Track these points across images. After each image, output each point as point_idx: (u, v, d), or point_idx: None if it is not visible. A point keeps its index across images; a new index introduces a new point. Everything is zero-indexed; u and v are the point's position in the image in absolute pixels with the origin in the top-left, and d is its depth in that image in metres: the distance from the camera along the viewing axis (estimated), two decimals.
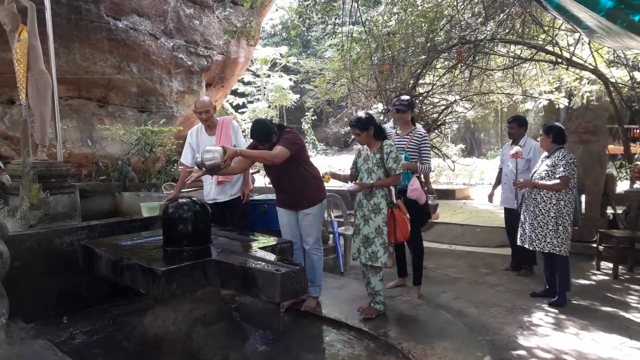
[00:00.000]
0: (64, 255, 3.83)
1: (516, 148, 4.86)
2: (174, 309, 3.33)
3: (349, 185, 3.87)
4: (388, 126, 5.50)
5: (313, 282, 3.93)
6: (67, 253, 3.84)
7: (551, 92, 11.42)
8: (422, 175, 4.79)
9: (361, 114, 3.85)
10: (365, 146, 3.89)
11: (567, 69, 8.87)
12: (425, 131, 4.58)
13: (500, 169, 5.77)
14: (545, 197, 4.32)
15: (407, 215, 3.78)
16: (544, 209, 4.31)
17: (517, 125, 5.47)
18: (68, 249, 3.85)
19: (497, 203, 5.93)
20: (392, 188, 3.79)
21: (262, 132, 3.73)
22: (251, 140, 3.94)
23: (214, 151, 3.43)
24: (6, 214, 4.06)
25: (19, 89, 4.34)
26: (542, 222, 4.32)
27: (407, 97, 4.85)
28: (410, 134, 4.57)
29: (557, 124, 4.70)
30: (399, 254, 4.85)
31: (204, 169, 3.49)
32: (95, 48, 7.67)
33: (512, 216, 5.41)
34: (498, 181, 5.87)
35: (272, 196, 5.09)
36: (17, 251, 3.36)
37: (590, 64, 8.05)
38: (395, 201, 3.76)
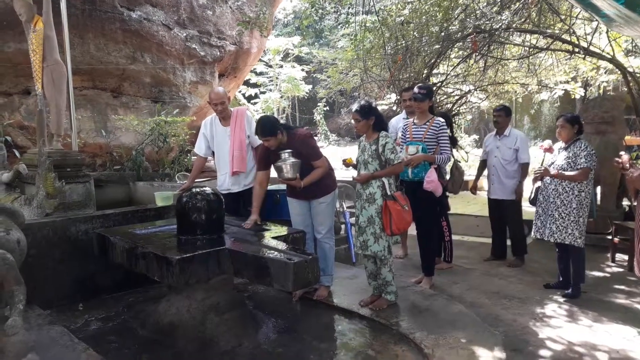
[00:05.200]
0: (79, 244, 3.88)
1: (547, 142, 4.81)
2: (188, 297, 3.37)
3: (354, 175, 3.90)
4: (401, 117, 5.48)
5: (325, 272, 3.95)
6: (82, 241, 3.89)
7: (567, 82, 11.24)
8: (449, 165, 4.72)
9: (364, 101, 3.84)
10: (363, 136, 3.89)
11: (584, 59, 8.70)
12: (443, 120, 4.47)
13: (484, 160, 5.73)
14: (568, 188, 4.27)
15: (406, 207, 3.73)
16: (567, 200, 4.26)
17: (504, 114, 5.47)
18: (83, 237, 3.90)
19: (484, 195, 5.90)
20: (387, 179, 3.73)
21: (266, 126, 3.79)
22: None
23: (291, 171, 3.75)
24: (23, 203, 4.13)
25: (35, 79, 4.38)
26: (564, 214, 4.27)
27: (426, 86, 4.80)
28: (428, 123, 4.45)
29: (575, 114, 4.64)
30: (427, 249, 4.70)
31: (283, 172, 3.76)
32: (109, 38, 7.71)
33: (499, 207, 5.46)
34: (480, 173, 5.85)
35: (284, 186, 5.11)
36: (33, 239, 3.42)
37: (607, 53, 7.90)
38: (390, 193, 3.72)
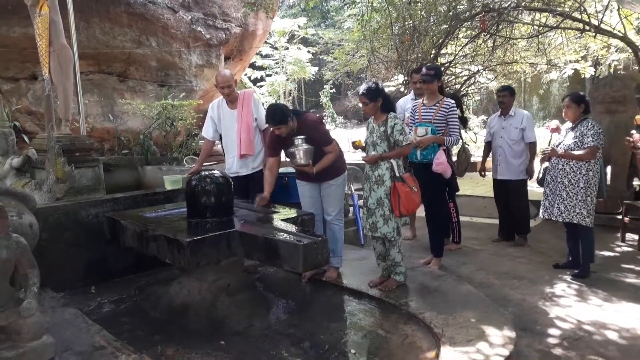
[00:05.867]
0: (90, 227, 3.92)
1: (555, 122, 4.77)
2: (199, 279, 3.40)
3: (363, 155, 3.89)
4: (409, 98, 5.43)
5: (334, 253, 3.96)
6: (93, 225, 3.93)
7: (577, 61, 11.07)
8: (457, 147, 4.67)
9: (371, 83, 3.81)
10: (371, 118, 3.86)
11: (594, 37, 8.56)
12: (453, 101, 4.42)
13: (488, 142, 5.69)
14: (575, 167, 4.24)
15: (415, 188, 3.72)
16: (574, 179, 4.24)
17: (509, 94, 5.45)
18: (94, 221, 3.94)
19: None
20: (395, 161, 3.72)
21: (277, 114, 3.77)
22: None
23: (304, 157, 3.73)
24: (33, 187, 4.16)
25: (42, 64, 4.37)
26: (572, 193, 4.25)
27: (434, 66, 4.74)
28: (438, 104, 4.39)
29: (581, 93, 4.59)
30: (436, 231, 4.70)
31: (296, 158, 3.75)
32: (115, 22, 7.67)
33: (504, 187, 5.45)
34: (487, 154, 5.82)
35: (293, 169, 5.11)
36: (45, 223, 3.45)
37: (619, 31, 7.77)
38: (399, 174, 3.70)
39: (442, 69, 8.24)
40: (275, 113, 3.78)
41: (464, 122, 5.10)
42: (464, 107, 7.95)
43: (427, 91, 4.50)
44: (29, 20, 4.48)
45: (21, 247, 2.53)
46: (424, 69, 4.52)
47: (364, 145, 3.98)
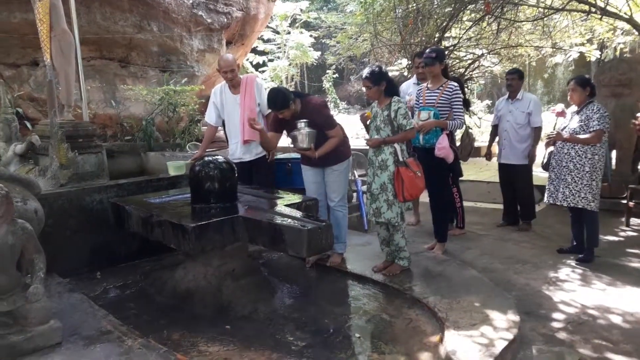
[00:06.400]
0: (94, 213, 3.93)
1: (560, 106, 4.73)
2: (204, 264, 3.42)
3: (366, 139, 3.87)
4: (411, 82, 5.39)
5: (338, 239, 3.97)
6: (97, 211, 3.94)
7: (582, 44, 10.97)
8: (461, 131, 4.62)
9: (374, 67, 3.77)
10: (375, 102, 3.83)
11: (600, 19, 8.45)
12: (456, 84, 4.38)
13: (495, 126, 5.65)
14: (580, 151, 4.21)
15: (419, 173, 3.71)
16: (579, 164, 4.21)
17: (517, 78, 5.41)
18: (98, 207, 3.95)
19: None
20: (399, 146, 3.70)
21: (278, 99, 3.73)
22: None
23: (306, 141, 3.68)
24: (37, 174, 4.16)
25: (43, 49, 4.34)
26: (577, 177, 4.23)
27: (436, 48, 4.69)
28: (441, 87, 4.36)
29: (586, 76, 4.55)
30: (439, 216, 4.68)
31: (298, 142, 3.70)
32: (115, 7, 7.60)
33: (510, 172, 5.43)
34: (493, 138, 5.78)
35: (296, 155, 5.09)
36: (50, 209, 3.46)
37: (625, 13, 7.66)
38: (402, 159, 3.69)
39: (446, 52, 8.17)
40: (277, 98, 3.73)
41: (466, 104, 5.05)
42: (468, 90, 7.89)
43: (430, 74, 4.46)
44: (30, 5, 4.44)
45: (27, 233, 2.54)
46: (426, 52, 4.48)
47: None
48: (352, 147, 4.27)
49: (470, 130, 5.38)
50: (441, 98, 4.31)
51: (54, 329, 2.52)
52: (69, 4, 4.81)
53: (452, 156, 4.33)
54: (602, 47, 11.82)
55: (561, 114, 4.65)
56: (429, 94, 4.40)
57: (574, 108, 4.41)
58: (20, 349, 2.40)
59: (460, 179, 5.36)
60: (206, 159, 3.58)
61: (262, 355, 2.71)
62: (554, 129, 4.55)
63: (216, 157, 3.62)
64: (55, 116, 4.16)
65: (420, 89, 4.56)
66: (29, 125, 5.91)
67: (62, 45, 4.41)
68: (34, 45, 6.03)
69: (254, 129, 3.85)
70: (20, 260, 2.56)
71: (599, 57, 12.04)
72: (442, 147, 4.21)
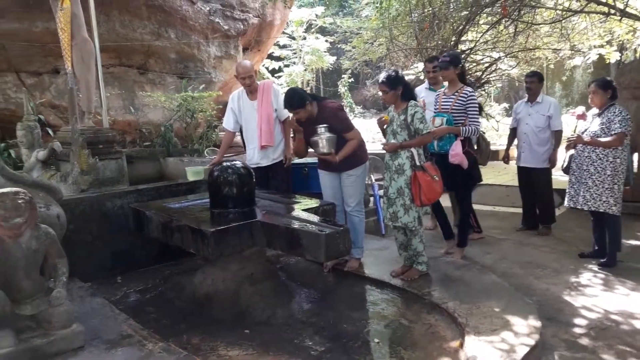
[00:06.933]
0: (115, 218, 3.98)
1: (580, 108, 4.66)
2: (222, 268, 3.43)
3: (383, 144, 3.86)
4: (423, 87, 5.36)
5: (355, 244, 3.96)
6: (117, 216, 3.99)
7: (601, 46, 10.81)
8: (475, 137, 4.57)
9: (391, 71, 3.77)
10: (391, 107, 3.83)
11: (620, 21, 8.34)
12: (472, 90, 4.33)
13: (514, 129, 5.59)
14: (602, 154, 4.15)
15: (436, 177, 3.67)
16: (600, 167, 4.15)
17: (537, 80, 5.33)
18: (119, 212, 4.00)
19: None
20: (416, 150, 3.67)
21: (294, 99, 3.79)
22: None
23: (327, 146, 3.74)
24: (59, 180, 4.23)
25: (64, 57, 4.42)
26: (598, 181, 4.16)
27: (451, 53, 4.67)
28: (457, 93, 4.31)
29: (608, 78, 4.49)
30: (440, 217, 4.70)
31: (319, 147, 3.76)
32: (134, 15, 7.73)
33: (529, 175, 5.35)
34: (511, 141, 5.72)
35: (312, 159, 5.11)
36: (71, 215, 3.51)
37: None
38: (419, 163, 3.66)
39: (463, 56, 8.12)
40: (293, 97, 3.80)
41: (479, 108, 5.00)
42: (484, 94, 7.82)
43: (445, 79, 4.43)
44: (51, 14, 4.54)
45: (50, 238, 2.58)
46: (441, 57, 4.45)
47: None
48: (368, 152, 4.26)
49: (484, 134, 5.32)
50: (456, 104, 4.27)
51: (76, 332, 2.56)
52: (90, 13, 4.91)
53: (466, 162, 4.26)
54: (621, 48, 11.64)
55: (582, 116, 4.59)
56: (445, 100, 4.36)
57: (594, 111, 4.35)
58: (43, 353, 2.44)
59: (480, 183, 5.30)
60: (224, 164, 3.61)
61: None
62: (574, 132, 4.49)
63: (234, 162, 3.65)
64: (76, 123, 4.24)
65: (437, 94, 4.54)
66: (50, 132, 6.02)
67: (83, 53, 4.49)
68: (55, 54, 6.16)
69: (295, 128, 3.93)
70: (43, 265, 2.61)
71: (618, 59, 11.86)
72: (455, 154, 4.14)
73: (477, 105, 4.34)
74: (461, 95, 4.27)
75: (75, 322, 2.59)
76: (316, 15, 19.80)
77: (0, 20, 6.67)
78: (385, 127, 3.89)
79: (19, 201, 2.42)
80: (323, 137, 3.70)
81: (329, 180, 4.04)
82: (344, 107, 4.01)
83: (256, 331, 3.06)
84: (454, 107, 4.28)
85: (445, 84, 4.61)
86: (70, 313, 2.57)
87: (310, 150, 4.09)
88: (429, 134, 3.72)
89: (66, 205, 3.37)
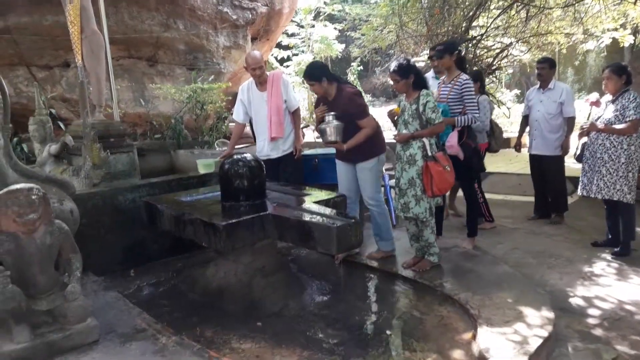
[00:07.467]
0: (127, 212, 4.01)
1: (594, 95, 4.58)
2: (234, 261, 3.45)
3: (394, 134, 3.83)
4: (429, 75, 5.29)
5: (380, 237, 3.96)
6: (130, 209, 4.02)
7: (615, 29, 10.62)
8: (477, 124, 4.49)
9: (402, 59, 3.72)
10: (403, 96, 3.79)
11: (634, 4, 8.19)
12: (467, 77, 4.19)
13: (526, 116, 5.52)
14: (616, 142, 4.09)
15: (448, 167, 3.64)
16: (614, 155, 4.09)
17: (548, 67, 5.24)
18: (131, 206, 4.02)
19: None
20: (427, 140, 3.64)
21: (314, 70, 3.89)
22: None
23: (334, 133, 3.75)
24: (71, 174, 4.26)
25: (74, 51, 4.43)
26: (612, 169, 4.11)
27: (446, 41, 4.59)
28: (453, 81, 4.21)
29: (622, 63, 4.40)
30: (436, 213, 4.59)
31: (327, 135, 3.78)
32: (142, 6, 7.71)
33: (541, 163, 5.30)
34: (523, 129, 5.65)
35: (323, 151, 5.09)
36: (84, 209, 3.54)
37: None
38: (431, 153, 3.63)
39: (474, 42, 8.02)
40: (313, 68, 3.90)
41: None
42: (496, 80, 7.72)
43: (442, 67, 4.37)
44: (60, 8, 4.53)
45: (64, 233, 2.61)
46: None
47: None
48: None
49: (494, 120, 5.24)
50: (452, 92, 4.17)
51: (91, 327, 2.59)
52: (98, 5, 4.91)
53: (462, 154, 4.17)
54: (636, 32, 11.42)
55: (595, 103, 4.51)
56: (443, 89, 4.26)
57: (608, 97, 4.28)
58: (59, 347, 2.48)
59: (489, 171, 5.24)
60: (235, 157, 3.61)
61: (294, 352, 2.73)
62: (587, 119, 4.42)
63: (244, 154, 3.65)
64: (88, 116, 4.25)
65: (438, 84, 4.48)
66: (62, 125, 6.05)
67: (93, 46, 4.50)
68: (65, 47, 6.17)
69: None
70: (57, 260, 2.64)
71: (633, 42, 11.65)
72: (450, 146, 4.03)
73: (473, 91, 4.20)
74: (457, 83, 4.17)
75: (90, 316, 2.62)
76: (325, 3, 19.62)
77: (10, 14, 6.70)
78: (395, 118, 3.86)
79: (33, 197, 2.45)
80: (330, 125, 3.70)
81: (344, 171, 4.02)
82: (362, 94, 3.98)
83: (268, 323, 3.07)
84: (450, 96, 4.18)
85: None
86: (85, 307, 2.60)
87: (321, 140, 4.08)
88: (441, 124, 3.68)
89: (78, 200, 3.39)
